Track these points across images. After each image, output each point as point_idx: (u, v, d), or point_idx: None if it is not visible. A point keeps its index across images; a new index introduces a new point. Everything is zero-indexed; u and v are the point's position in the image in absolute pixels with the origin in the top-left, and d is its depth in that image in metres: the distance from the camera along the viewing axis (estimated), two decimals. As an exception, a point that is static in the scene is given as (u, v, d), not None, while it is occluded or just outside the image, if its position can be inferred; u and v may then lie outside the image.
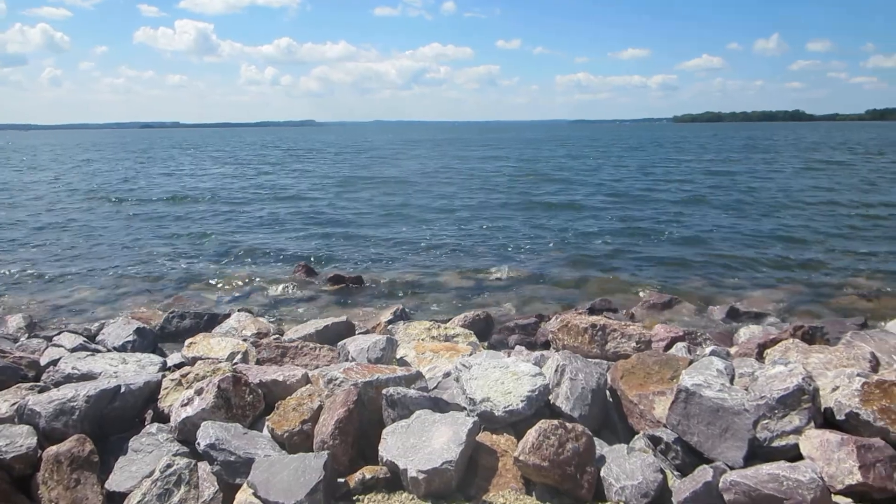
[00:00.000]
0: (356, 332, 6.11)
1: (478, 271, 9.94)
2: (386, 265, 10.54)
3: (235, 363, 4.66)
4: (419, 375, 4.10)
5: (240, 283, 9.52)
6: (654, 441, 3.44)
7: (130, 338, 5.93)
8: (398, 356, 5.04)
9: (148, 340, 6.07)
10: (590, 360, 4.43)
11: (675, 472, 3.27)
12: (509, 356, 4.74)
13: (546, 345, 5.92)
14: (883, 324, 6.36)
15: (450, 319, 6.85)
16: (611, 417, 3.90)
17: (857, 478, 2.93)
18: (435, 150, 54.37)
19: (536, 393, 3.56)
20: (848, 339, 4.63)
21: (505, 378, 3.65)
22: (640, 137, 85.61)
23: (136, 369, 4.55)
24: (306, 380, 4.16)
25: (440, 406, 3.59)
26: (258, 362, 4.91)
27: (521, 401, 3.49)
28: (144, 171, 31.87)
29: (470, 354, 4.86)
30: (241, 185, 24.84)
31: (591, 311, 7.12)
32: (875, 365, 4.21)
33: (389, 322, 6.67)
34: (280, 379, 4.09)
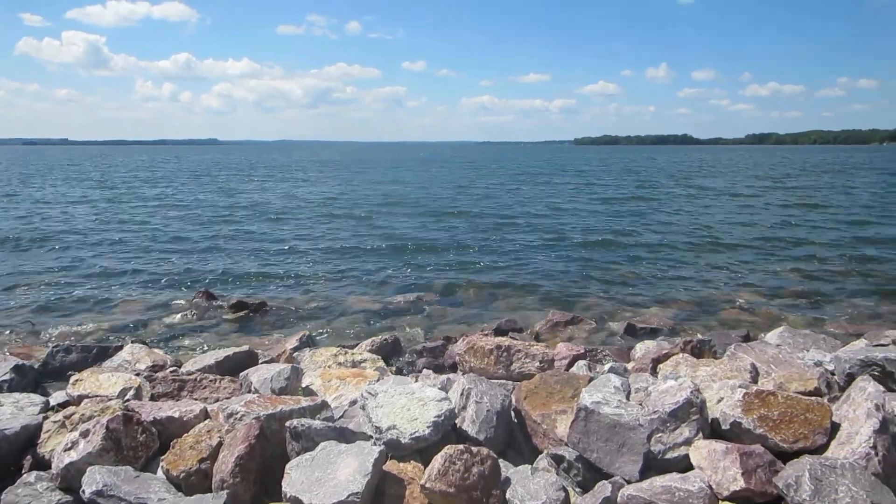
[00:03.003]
0: (259, 362, 5.92)
1: (384, 295, 9.88)
2: (290, 291, 10.27)
3: (127, 400, 4.39)
4: (325, 405, 4.03)
5: (133, 311, 8.99)
6: (557, 460, 3.54)
7: (7, 376, 5.43)
8: (304, 385, 4.92)
9: (28, 378, 5.60)
10: (495, 381, 4.50)
11: (577, 489, 3.37)
12: (417, 380, 4.74)
13: (454, 367, 5.95)
14: (763, 335, 6.85)
15: (357, 345, 6.76)
16: (516, 438, 3.98)
17: (740, 484, 3.12)
18: (337, 170, 53.90)
19: (442, 418, 3.57)
20: (732, 352, 4.94)
21: (411, 405, 3.64)
22: (543, 159, 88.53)
23: (12, 411, 4.20)
24: (205, 415, 3.99)
25: (346, 436, 3.53)
26: (153, 398, 4.66)
27: (428, 427, 3.49)
28: (16, 193, 29.43)
29: (377, 380, 4.82)
30: (129, 206, 23.48)
31: (497, 332, 7.23)
32: (755, 375, 4.54)
33: (295, 349, 6.51)
34: (176, 415, 3.90)
